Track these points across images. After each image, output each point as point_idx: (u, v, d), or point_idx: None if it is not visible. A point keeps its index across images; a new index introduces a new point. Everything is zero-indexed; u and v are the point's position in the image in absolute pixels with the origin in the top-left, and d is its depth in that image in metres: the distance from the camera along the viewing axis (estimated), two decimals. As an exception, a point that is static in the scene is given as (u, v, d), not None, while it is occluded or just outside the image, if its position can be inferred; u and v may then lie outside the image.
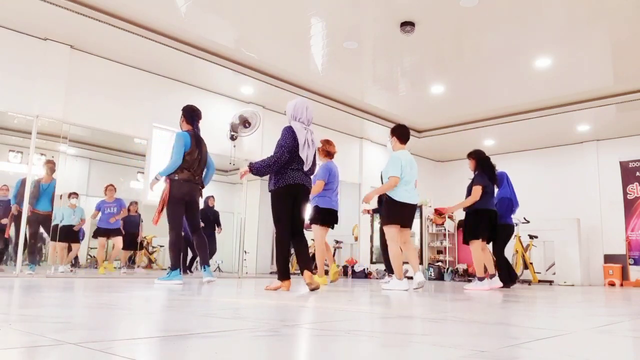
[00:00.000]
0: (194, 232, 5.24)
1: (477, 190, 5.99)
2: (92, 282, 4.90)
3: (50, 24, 6.24)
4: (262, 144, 8.85)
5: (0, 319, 1.80)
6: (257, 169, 4.35)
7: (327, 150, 6.15)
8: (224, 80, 7.96)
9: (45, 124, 6.39)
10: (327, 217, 5.89)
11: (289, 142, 4.34)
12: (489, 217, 6.09)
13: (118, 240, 7.66)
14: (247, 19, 6.26)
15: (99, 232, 7.69)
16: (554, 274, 9.79)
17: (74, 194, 7.32)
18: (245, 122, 8.29)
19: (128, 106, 7.29)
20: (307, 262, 4.36)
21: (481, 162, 6.26)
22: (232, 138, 8.32)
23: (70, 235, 7.21)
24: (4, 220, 6.51)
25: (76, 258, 7.77)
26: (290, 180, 4.30)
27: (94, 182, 8.12)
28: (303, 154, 4.35)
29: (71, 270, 6.97)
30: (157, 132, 7.58)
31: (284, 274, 4.33)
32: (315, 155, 4.50)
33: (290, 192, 4.32)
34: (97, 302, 2.65)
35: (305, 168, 4.40)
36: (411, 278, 5.14)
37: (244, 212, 8.46)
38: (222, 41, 6.90)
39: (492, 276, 6.07)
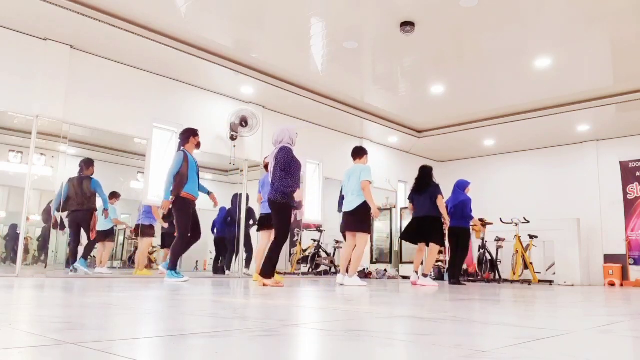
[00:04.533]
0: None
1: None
2: (104, 282, 4.90)
3: (50, 24, 6.24)
4: (262, 144, 8.84)
5: (0, 319, 1.81)
6: None
7: (264, 165, 6.90)
8: (224, 80, 7.96)
9: (45, 124, 6.39)
10: (260, 221, 6.68)
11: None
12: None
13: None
14: (247, 19, 6.25)
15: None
16: (554, 274, 9.78)
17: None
18: (242, 121, 8.29)
19: (128, 106, 7.29)
20: (262, 265, 5.22)
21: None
22: (232, 138, 8.33)
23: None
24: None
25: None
26: None
27: (94, 182, 8.10)
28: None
29: (71, 270, 6.97)
30: (157, 132, 7.58)
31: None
32: (274, 167, 5.22)
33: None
34: (97, 302, 2.65)
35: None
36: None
37: (243, 212, 8.46)
38: (222, 41, 6.90)
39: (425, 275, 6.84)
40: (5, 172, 6.70)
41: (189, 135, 5.85)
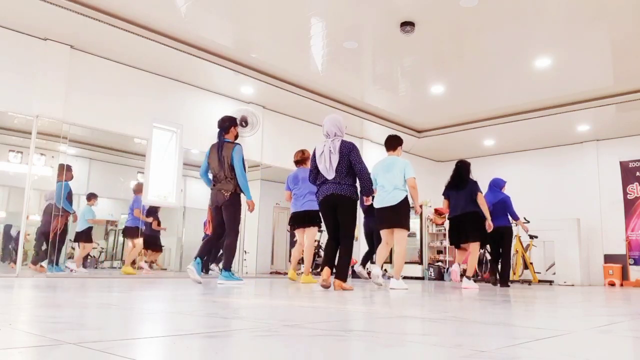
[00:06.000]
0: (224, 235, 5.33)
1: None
2: (102, 282, 4.90)
3: (50, 24, 6.24)
4: (262, 144, 8.85)
5: (0, 319, 1.80)
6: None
7: (294, 160, 6.65)
8: (224, 80, 7.96)
9: (45, 124, 6.39)
10: (292, 221, 6.51)
11: (311, 163, 4.94)
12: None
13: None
14: (247, 19, 6.25)
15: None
16: (554, 274, 9.79)
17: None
18: (242, 121, 8.29)
19: (128, 106, 7.29)
20: (338, 270, 4.71)
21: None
22: (232, 138, 8.32)
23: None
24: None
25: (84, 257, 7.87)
26: (320, 196, 4.85)
27: (94, 182, 8.10)
28: (320, 164, 4.76)
29: (71, 270, 6.98)
30: (157, 132, 7.58)
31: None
32: (339, 160, 4.68)
33: (322, 205, 4.84)
34: (97, 302, 2.65)
35: (329, 177, 4.70)
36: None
37: (243, 212, 8.44)
38: (222, 41, 6.90)
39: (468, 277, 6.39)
40: (5, 172, 6.70)
41: (230, 125, 5.36)
